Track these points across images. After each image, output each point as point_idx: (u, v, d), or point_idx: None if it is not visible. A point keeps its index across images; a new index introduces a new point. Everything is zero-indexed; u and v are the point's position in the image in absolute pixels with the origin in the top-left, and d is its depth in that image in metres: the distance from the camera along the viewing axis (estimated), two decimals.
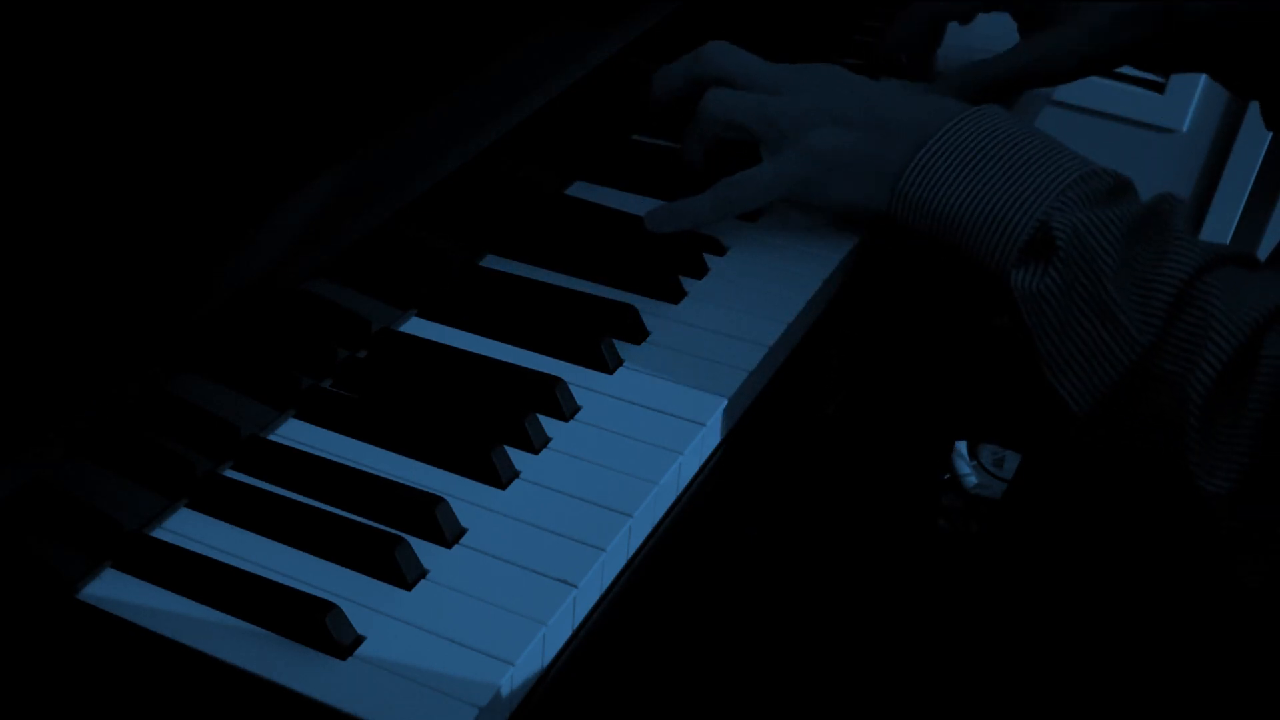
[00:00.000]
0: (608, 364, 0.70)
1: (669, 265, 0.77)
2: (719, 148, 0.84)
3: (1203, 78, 1.77)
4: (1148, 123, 1.84)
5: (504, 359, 0.71)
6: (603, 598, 0.60)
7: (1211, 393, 0.65)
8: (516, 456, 0.65)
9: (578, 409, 0.68)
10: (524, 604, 0.57)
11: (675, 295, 0.76)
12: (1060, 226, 0.69)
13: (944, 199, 0.74)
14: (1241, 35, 0.87)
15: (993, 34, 1.00)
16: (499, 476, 0.63)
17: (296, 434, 0.66)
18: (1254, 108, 1.80)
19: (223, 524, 0.61)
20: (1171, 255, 0.67)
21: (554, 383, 0.68)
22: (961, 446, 1.65)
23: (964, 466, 1.65)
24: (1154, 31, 0.89)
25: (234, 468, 0.65)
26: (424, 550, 0.60)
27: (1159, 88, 1.82)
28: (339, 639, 0.55)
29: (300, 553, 0.60)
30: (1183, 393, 0.66)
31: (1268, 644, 0.74)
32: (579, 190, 0.86)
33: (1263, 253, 0.79)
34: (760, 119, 0.79)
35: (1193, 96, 1.80)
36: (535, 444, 0.65)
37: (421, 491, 0.62)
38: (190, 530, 0.61)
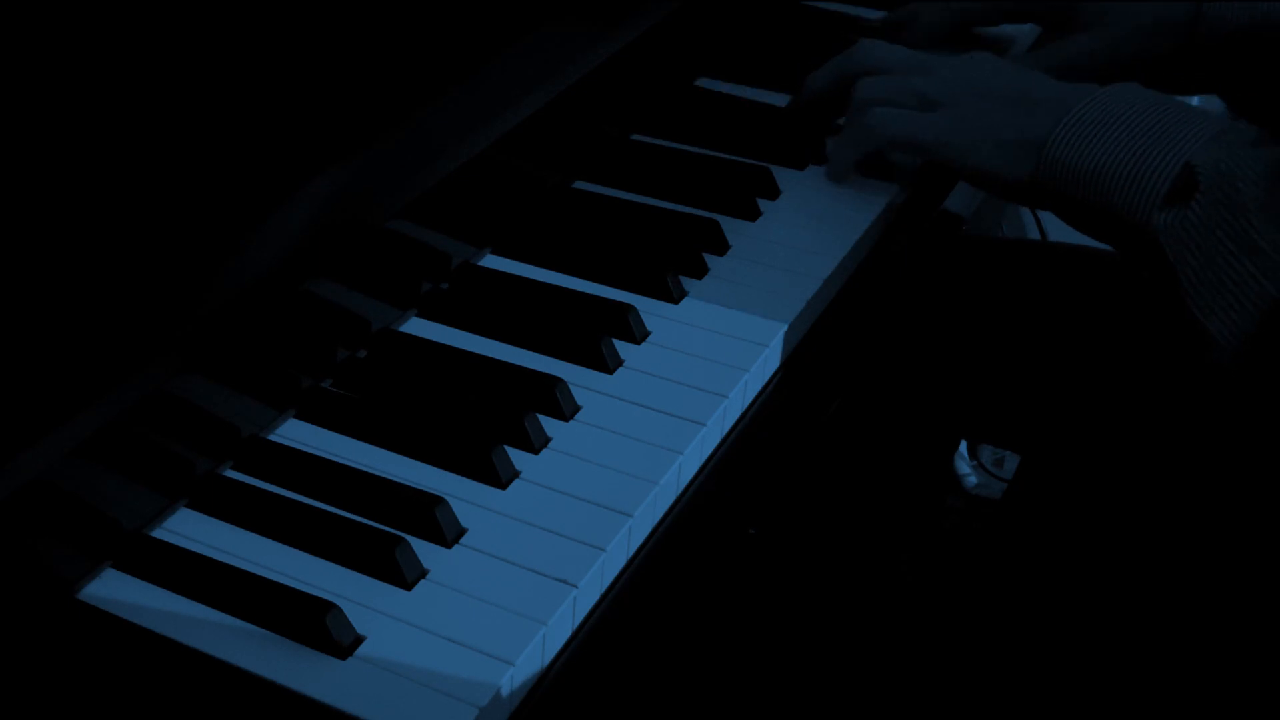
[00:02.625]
0: (608, 364, 0.70)
1: (669, 265, 0.77)
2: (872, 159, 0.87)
3: None
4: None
5: (504, 359, 0.71)
6: (603, 598, 0.60)
7: None
8: (516, 456, 0.65)
9: (578, 409, 0.68)
10: (524, 604, 0.57)
11: (675, 295, 0.76)
12: (1203, 165, 0.70)
13: (1090, 158, 0.75)
14: (1261, 57, 0.87)
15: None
16: (499, 476, 0.63)
17: (296, 434, 0.66)
18: None
19: (223, 524, 0.61)
20: None
21: (554, 383, 0.68)
22: (962, 446, 1.65)
23: (964, 466, 1.65)
24: (1175, 45, 0.89)
25: (234, 468, 0.65)
26: (424, 550, 0.59)
27: None
28: (339, 639, 0.55)
29: (300, 553, 0.60)
30: None
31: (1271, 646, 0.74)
32: (579, 190, 0.86)
33: None
34: (911, 94, 0.82)
35: (1193, 98, 1.80)
36: (535, 444, 0.65)
37: (421, 491, 0.62)
38: (190, 530, 0.61)
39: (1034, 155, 0.78)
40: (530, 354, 0.72)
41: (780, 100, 0.95)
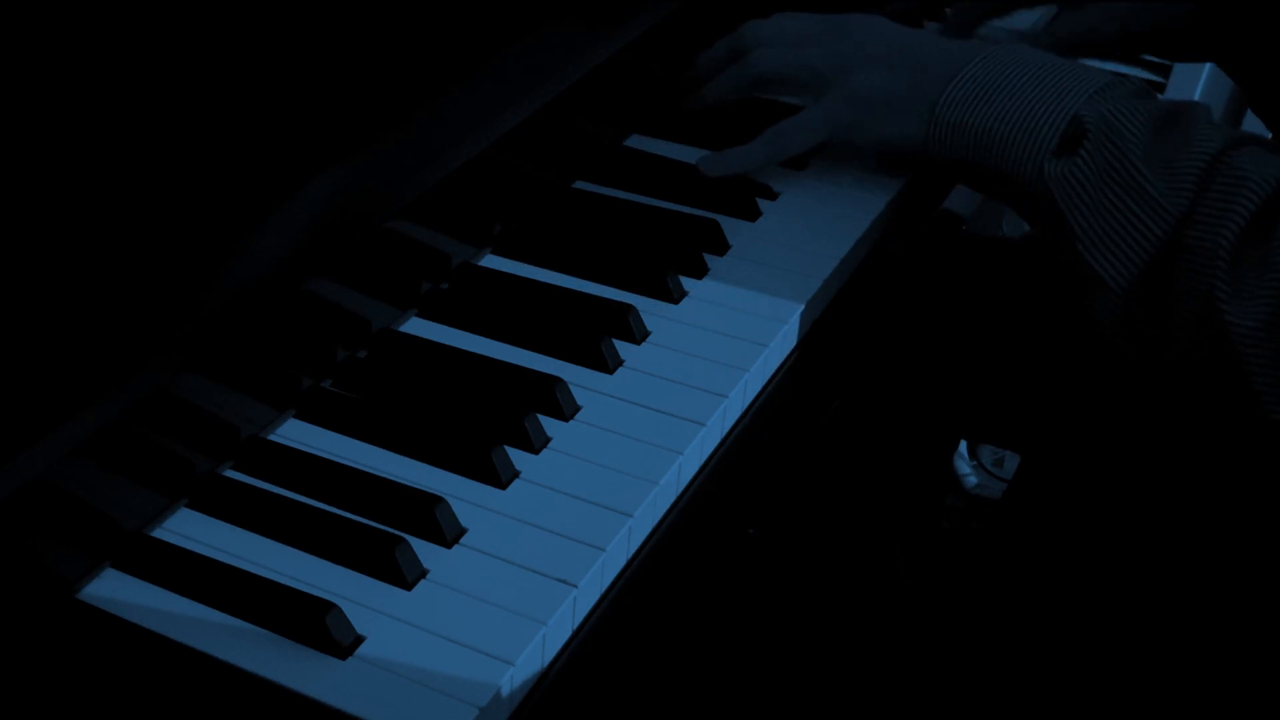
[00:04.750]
0: (608, 364, 0.70)
1: (669, 265, 0.77)
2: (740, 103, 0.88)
3: (1203, 77, 1.77)
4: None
5: (504, 359, 0.71)
6: (603, 598, 0.60)
7: (1243, 234, 0.67)
8: (516, 456, 0.65)
9: (578, 409, 0.68)
10: (524, 604, 0.57)
11: (675, 295, 0.76)
12: (1090, 116, 0.73)
13: (978, 117, 0.77)
14: (1265, 29, 0.88)
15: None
16: (499, 476, 0.63)
17: (296, 434, 0.66)
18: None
19: (223, 524, 0.61)
20: (1199, 136, 0.70)
21: (554, 383, 0.68)
22: (962, 446, 1.65)
23: (964, 466, 1.65)
24: (1185, 14, 0.90)
25: (234, 468, 0.64)
26: (424, 550, 0.59)
27: (1159, 88, 1.82)
28: (339, 639, 0.55)
29: (300, 553, 0.60)
30: (1214, 251, 0.67)
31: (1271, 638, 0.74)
32: (579, 190, 0.86)
33: None
34: (801, 69, 0.84)
35: (1193, 97, 1.80)
36: (535, 444, 0.65)
37: (421, 491, 0.62)
38: (190, 530, 0.61)
39: (925, 119, 0.79)
40: (530, 354, 0.72)
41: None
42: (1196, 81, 1.78)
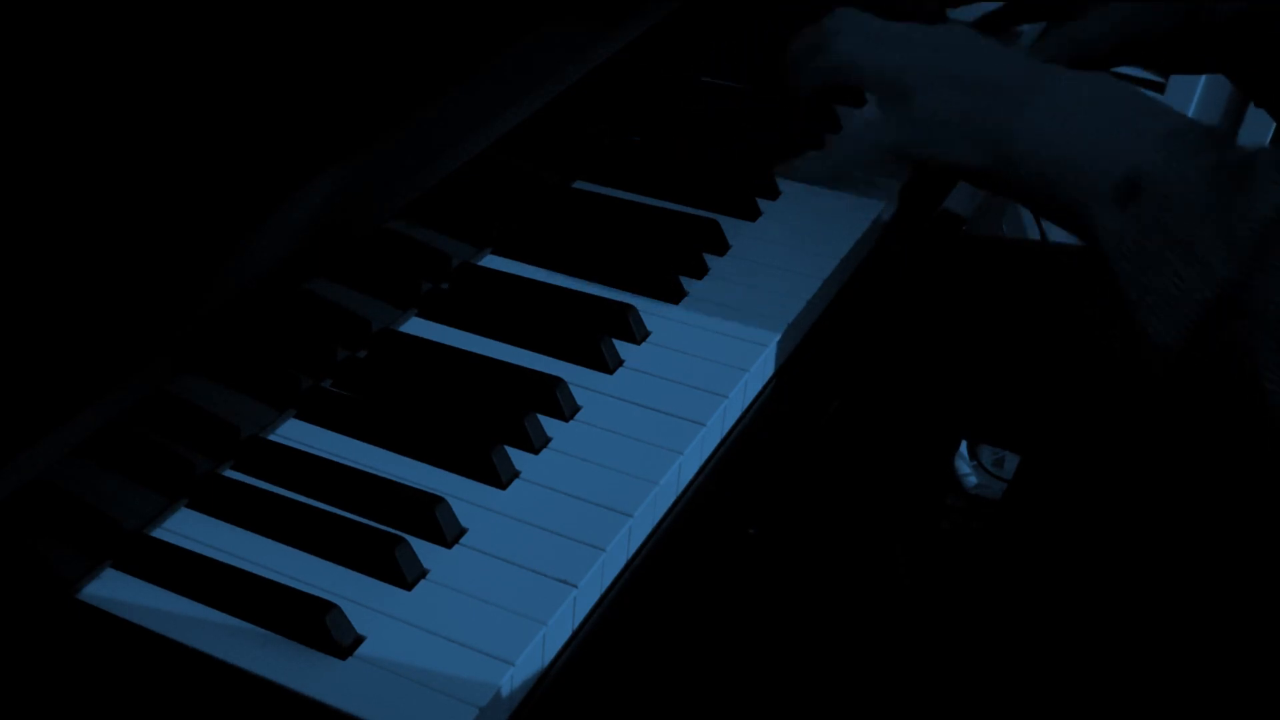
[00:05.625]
0: (608, 364, 0.70)
1: (669, 265, 0.77)
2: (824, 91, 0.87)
3: (1202, 79, 1.77)
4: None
5: (504, 359, 0.71)
6: (603, 598, 0.60)
7: None
8: (516, 456, 0.65)
9: (578, 409, 0.68)
10: (524, 604, 0.57)
11: (675, 295, 0.76)
12: (1147, 167, 0.70)
13: (1041, 154, 0.75)
14: (1263, 38, 0.88)
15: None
16: (499, 476, 0.63)
17: (296, 434, 0.66)
18: (1254, 107, 1.79)
19: (223, 524, 0.61)
20: (1260, 192, 0.67)
21: (554, 383, 0.68)
22: (962, 446, 1.65)
23: (964, 466, 1.65)
24: (1175, 28, 0.90)
25: (234, 468, 0.65)
26: (424, 550, 0.59)
27: (1159, 88, 1.82)
28: (339, 639, 0.55)
29: (300, 553, 0.60)
30: (1262, 317, 0.65)
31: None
32: (579, 190, 0.86)
33: None
34: (877, 71, 0.82)
35: (1193, 97, 1.80)
36: (535, 444, 0.65)
37: (421, 491, 0.62)
38: (190, 530, 0.61)
39: (996, 147, 0.78)
40: (530, 354, 0.72)
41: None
42: (1196, 81, 1.78)
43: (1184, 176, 0.69)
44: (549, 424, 0.67)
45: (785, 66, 0.89)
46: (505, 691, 0.54)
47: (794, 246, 0.80)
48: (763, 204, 0.84)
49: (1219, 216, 0.67)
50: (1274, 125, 1.76)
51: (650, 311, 0.74)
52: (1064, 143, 0.74)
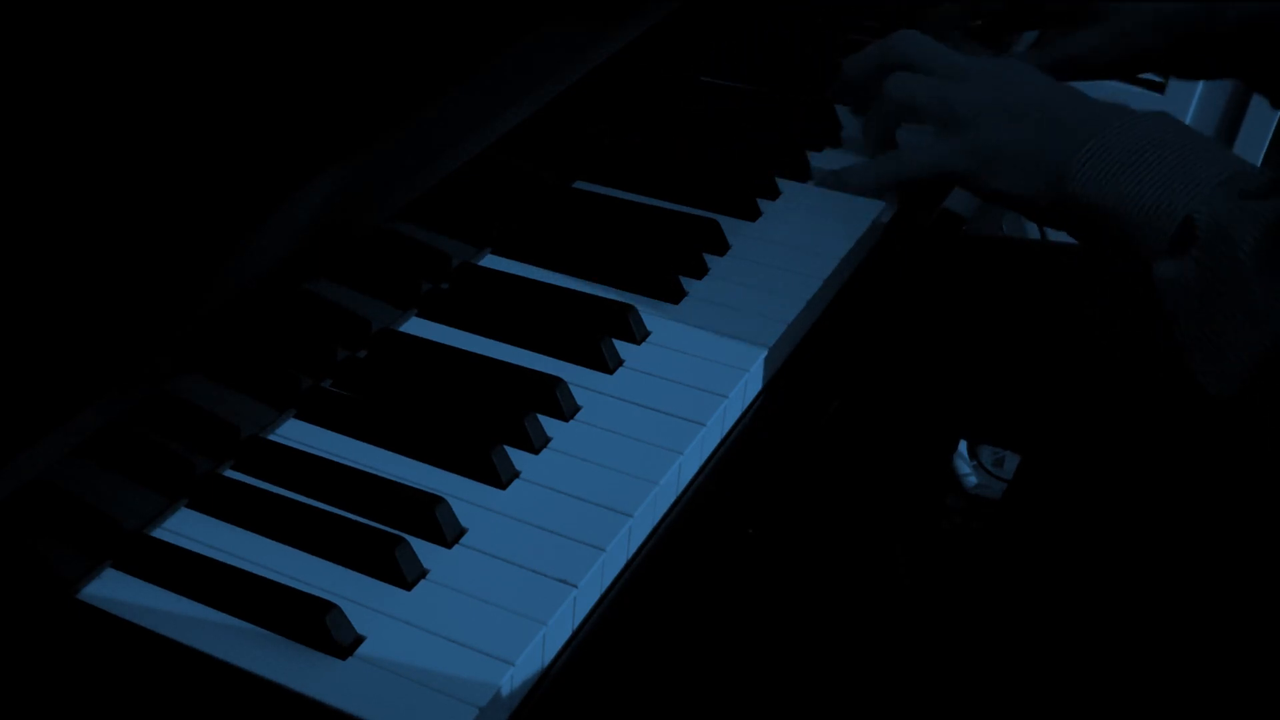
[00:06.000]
0: (608, 364, 0.70)
1: (669, 265, 0.77)
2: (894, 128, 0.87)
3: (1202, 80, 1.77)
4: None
5: (504, 359, 0.71)
6: (603, 598, 0.60)
7: None
8: (516, 456, 0.65)
9: (578, 409, 0.68)
10: (524, 604, 0.57)
11: (676, 295, 0.76)
12: (1202, 217, 0.70)
13: (1102, 196, 0.75)
14: (1276, 42, 0.87)
15: None
16: (499, 476, 0.63)
17: (296, 434, 0.66)
18: (1253, 108, 1.79)
19: (223, 524, 0.61)
20: None
21: (554, 383, 0.68)
22: (962, 446, 1.65)
23: (964, 466, 1.65)
24: (1186, 36, 0.89)
25: (234, 468, 0.65)
26: (424, 550, 0.59)
27: (1159, 88, 1.82)
28: (339, 639, 0.55)
29: (300, 553, 0.60)
30: None
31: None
32: (579, 190, 0.86)
33: None
34: (937, 102, 0.82)
35: (1193, 97, 1.80)
36: (535, 444, 0.65)
37: (421, 491, 0.62)
38: (190, 530, 0.61)
39: (1053, 183, 0.78)
40: (530, 354, 0.72)
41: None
42: (1196, 83, 1.78)
43: (1239, 225, 0.68)
44: (549, 424, 0.67)
45: (838, 82, 0.90)
46: (505, 691, 0.54)
47: (794, 246, 0.80)
48: (763, 204, 0.84)
49: (1273, 264, 0.66)
50: (1273, 126, 1.76)
51: (650, 311, 0.74)
52: (1120, 186, 0.74)
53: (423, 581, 0.58)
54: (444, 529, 0.60)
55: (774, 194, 0.85)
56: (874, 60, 0.88)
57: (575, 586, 0.58)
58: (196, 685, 0.55)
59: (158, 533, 0.61)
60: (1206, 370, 0.69)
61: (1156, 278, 0.71)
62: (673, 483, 0.65)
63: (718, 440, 0.69)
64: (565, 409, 0.67)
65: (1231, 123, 1.80)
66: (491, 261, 0.79)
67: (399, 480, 0.63)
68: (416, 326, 0.74)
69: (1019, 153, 0.79)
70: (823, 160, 0.89)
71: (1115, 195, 0.75)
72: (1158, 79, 1.81)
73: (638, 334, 0.73)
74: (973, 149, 0.81)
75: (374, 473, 0.64)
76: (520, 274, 0.78)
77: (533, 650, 0.56)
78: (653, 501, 0.63)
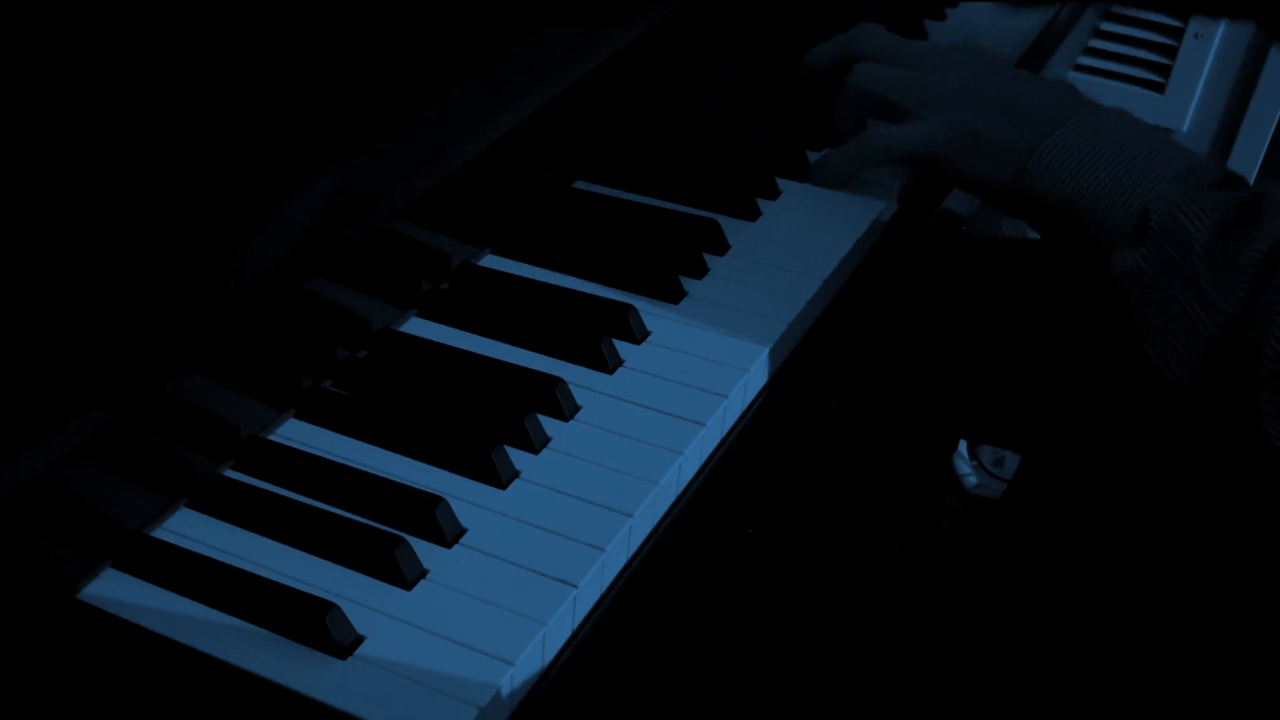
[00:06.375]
0: (608, 364, 0.70)
1: (669, 265, 0.77)
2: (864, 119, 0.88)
3: (1202, 80, 1.77)
4: (1148, 123, 1.84)
5: (504, 359, 0.71)
6: (603, 598, 0.60)
7: None
8: (516, 456, 0.65)
9: (578, 409, 0.68)
10: (524, 604, 0.57)
11: (675, 295, 0.76)
12: (1157, 209, 0.71)
13: (1061, 189, 0.77)
14: None
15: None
16: (499, 476, 0.63)
17: (296, 434, 0.66)
18: (1253, 109, 1.80)
19: (223, 524, 0.61)
20: (1265, 229, 0.68)
21: (554, 383, 0.68)
22: (962, 446, 1.65)
23: (964, 466, 1.65)
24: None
25: (234, 468, 0.65)
26: (424, 550, 0.59)
27: (1159, 88, 1.82)
28: (339, 639, 0.55)
29: (300, 553, 0.60)
30: (1260, 356, 0.66)
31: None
32: (579, 190, 0.86)
33: None
34: (904, 93, 0.83)
35: (1193, 97, 1.80)
36: (535, 444, 0.65)
37: (421, 491, 0.62)
38: (190, 530, 0.61)
39: (1017, 173, 0.79)
40: (530, 354, 0.72)
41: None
42: (1196, 82, 1.78)
43: (1194, 209, 0.70)
44: (549, 424, 0.67)
45: (802, 75, 0.90)
46: (505, 691, 0.54)
47: (794, 246, 0.80)
48: (763, 204, 0.84)
49: (1225, 252, 0.68)
50: (1273, 127, 1.76)
51: (650, 311, 0.74)
52: (1080, 179, 0.76)
53: (423, 581, 0.59)
54: (444, 529, 0.60)
55: (774, 194, 0.85)
56: (837, 52, 0.89)
57: (575, 586, 0.58)
58: (197, 685, 0.55)
59: (158, 533, 0.61)
60: (1165, 357, 0.71)
61: (1114, 268, 0.73)
62: (673, 483, 0.65)
63: (718, 440, 0.69)
64: (565, 409, 0.67)
65: (1231, 123, 1.80)
66: (491, 261, 0.79)
67: (399, 480, 0.63)
68: (416, 326, 0.74)
69: (990, 140, 0.80)
70: None
71: (1075, 187, 0.76)
72: (1158, 79, 1.81)
73: (638, 334, 0.73)
74: (952, 131, 0.81)
75: (374, 473, 0.64)
76: (520, 274, 0.78)
77: (533, 650, 0.56)
78: (653, 501, 0.63)
